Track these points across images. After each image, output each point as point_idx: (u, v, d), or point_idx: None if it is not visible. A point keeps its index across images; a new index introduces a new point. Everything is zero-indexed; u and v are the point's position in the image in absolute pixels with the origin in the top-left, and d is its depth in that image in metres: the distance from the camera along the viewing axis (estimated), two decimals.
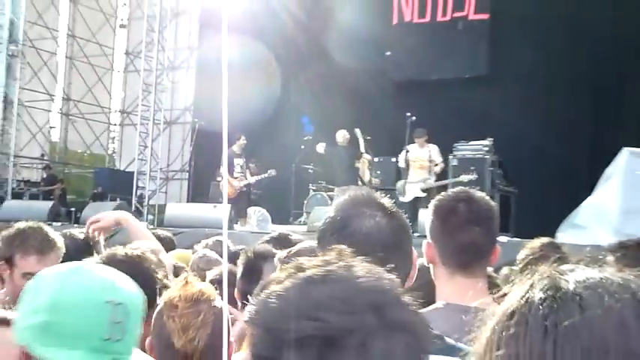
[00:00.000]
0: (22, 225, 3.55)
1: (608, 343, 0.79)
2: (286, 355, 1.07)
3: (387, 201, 2.16)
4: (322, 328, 0.97)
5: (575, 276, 0.87)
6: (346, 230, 1.98)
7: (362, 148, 14.50)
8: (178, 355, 2.22)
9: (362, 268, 1.10)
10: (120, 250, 3.08)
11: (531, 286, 0.89)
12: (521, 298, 0.88)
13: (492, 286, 2.90)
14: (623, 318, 0.80)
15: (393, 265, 1.61)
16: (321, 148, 14.62)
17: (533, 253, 4.00)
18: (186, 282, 2.34)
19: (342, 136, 14.26)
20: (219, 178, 15.98)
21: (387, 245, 1.96)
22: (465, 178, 12.53)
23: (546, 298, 0.84)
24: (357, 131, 14.55)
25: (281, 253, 3.00)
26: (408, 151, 13.57)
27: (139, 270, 2.65)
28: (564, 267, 0.90)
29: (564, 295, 0.84)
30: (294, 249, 2.94)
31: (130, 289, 1.72)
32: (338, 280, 1.07)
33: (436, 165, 13.52)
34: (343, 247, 1.27)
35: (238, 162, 14.69)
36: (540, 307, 0.83)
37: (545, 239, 4.33)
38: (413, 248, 2.17)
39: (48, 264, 3.03)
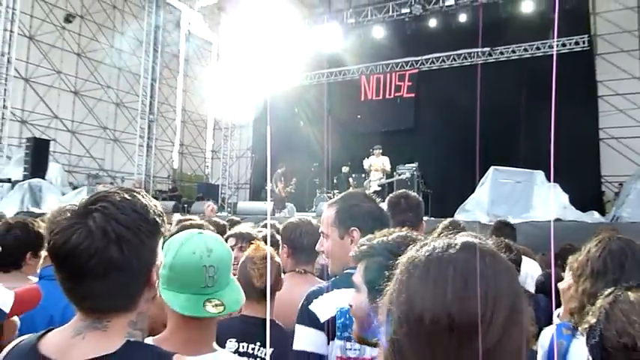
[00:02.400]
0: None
1: (470, 266, 0.78)
2: None
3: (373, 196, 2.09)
4: None
5: (446, 239, 0.84)
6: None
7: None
8: (256, 290, 2.13)
9: None
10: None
11: (421, 247, 0.85)
12: (426, 253, 0.83)
13: None
14: (482, 255, 0.79)
15: None
16: (345, 169, 14.48)
17: (445, 226, 3.63)
18: (258, 246, 2.25)
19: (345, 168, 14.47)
20: (267, 187, 15.55)
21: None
22: (403, 176, 12.61)
23: (442, 248, 0.81)
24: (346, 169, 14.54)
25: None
26: (368, 159, 13.26)
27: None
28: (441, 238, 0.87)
29: (450, 246, 0.82)
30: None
31: (221, 253, 1.48)
32: None
33: (387, 170, 13.16)
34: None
35: (283, 179, 14.53)
36: (440, 255, 0.81)
37: (450, 219, 4.22)
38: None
39: None
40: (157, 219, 1.15)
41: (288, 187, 14.45)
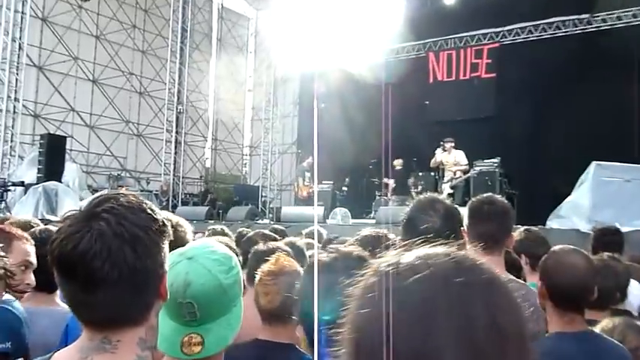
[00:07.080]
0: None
1: (447, 277, 0.70)
2: None
3: (442, 203, 2.26)
4: None
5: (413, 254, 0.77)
6: (410, 227, 2.10)
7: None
8: (262, 311, 2.20)
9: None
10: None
11: (397, 259, 0.78)
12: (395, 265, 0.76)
13: (509, 259, 3.07)
14: (453, 269, 0.72)
15: None
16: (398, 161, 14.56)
17: (521, 236, 3.76)
18: (277, 260, 2.27)
19: (398, 163, 14.51)
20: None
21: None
22: (472, 174, 12.65)
23: (412, 263, 0.74)
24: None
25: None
26: (435, 156, 13.37)
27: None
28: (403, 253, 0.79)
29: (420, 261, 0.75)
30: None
31: (203, 287, 1.48)
32: None
33: (462, 166, 13.21)
34: None
35: (306, 176, 14.95)
36: (407, 269, 0.72)
37: (522, 228, 4.17)
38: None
39: None
40: (164, 220, 1.24)
41: (311, 186, 14.72)
